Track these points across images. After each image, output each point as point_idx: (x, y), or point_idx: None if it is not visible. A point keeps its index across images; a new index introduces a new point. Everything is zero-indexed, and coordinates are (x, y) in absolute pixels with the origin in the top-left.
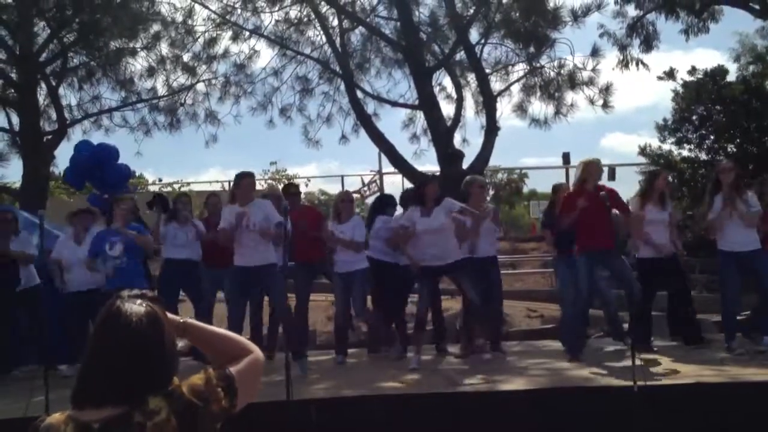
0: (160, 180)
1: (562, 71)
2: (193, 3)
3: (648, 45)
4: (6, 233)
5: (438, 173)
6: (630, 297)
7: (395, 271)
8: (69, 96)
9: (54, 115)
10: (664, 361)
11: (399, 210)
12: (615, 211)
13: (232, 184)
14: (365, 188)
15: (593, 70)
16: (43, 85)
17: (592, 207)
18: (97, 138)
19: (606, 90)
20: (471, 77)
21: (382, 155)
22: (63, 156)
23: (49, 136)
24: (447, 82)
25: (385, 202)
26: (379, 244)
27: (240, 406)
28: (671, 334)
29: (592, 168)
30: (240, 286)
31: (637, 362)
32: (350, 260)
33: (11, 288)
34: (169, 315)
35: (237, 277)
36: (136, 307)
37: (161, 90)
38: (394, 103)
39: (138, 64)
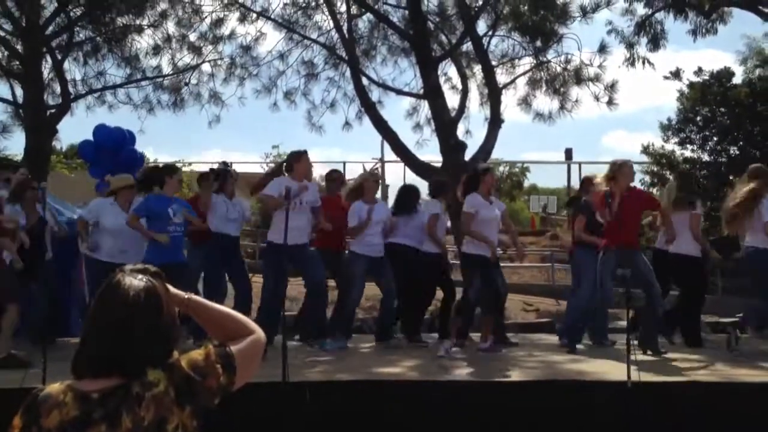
0: (155, 160)
1: (568, 66)
2: None
3: (655, 44)
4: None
5: (440, 164)
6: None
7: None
8: (74, 70)
9: (58, 89)
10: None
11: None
12: None
13: (288, 157)
14: None
15: (600, 66)
16: (48, 59)
17: None
18: (100, 113)
19: (611, 87)
20: (477, 69)
21: (385, 143)
22: (66, 130)
23: (53, 110)
24: (453, 72)
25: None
26: (419, 233)
27: (238, 384)
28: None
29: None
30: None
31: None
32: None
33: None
34: (173, 290)
35: (273, 254)
36: (135, 281)
37: (166, 69)
38: (399, 92)
39: (144, 41)
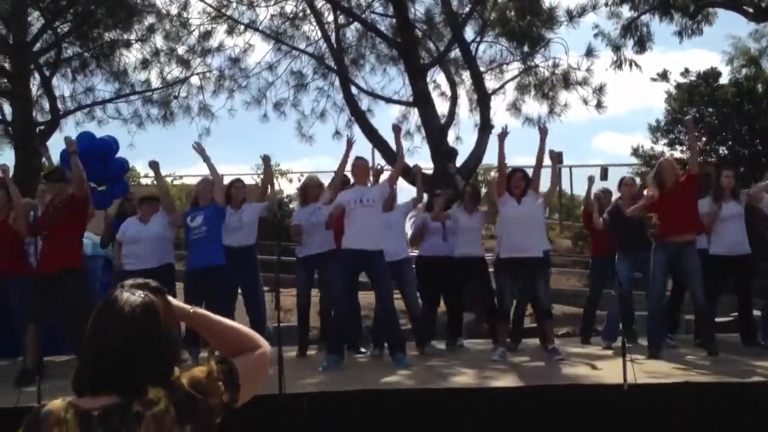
0: (146, 175)
1: (556, 71)
2: None
3: (642, 46)
4: None
5: (431, 171)
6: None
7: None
8: (62, 87)
9: (47, 106)
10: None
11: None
12: None
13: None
14: None
15: (587, 70)
16: (37, 75)
17: None
18: (90, 129)
19: (599, 90)
20: (465, 75)
21: (375, 151)
22: (55, 147)
23: (42, 127)
24: (441, 79)
25: None
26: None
27: (242, 401)
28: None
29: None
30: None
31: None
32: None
33: None
34: (178, 304)
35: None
36: (133, 297)
37: (155, 82)
38: (389, 100)
39: (132, 56)
